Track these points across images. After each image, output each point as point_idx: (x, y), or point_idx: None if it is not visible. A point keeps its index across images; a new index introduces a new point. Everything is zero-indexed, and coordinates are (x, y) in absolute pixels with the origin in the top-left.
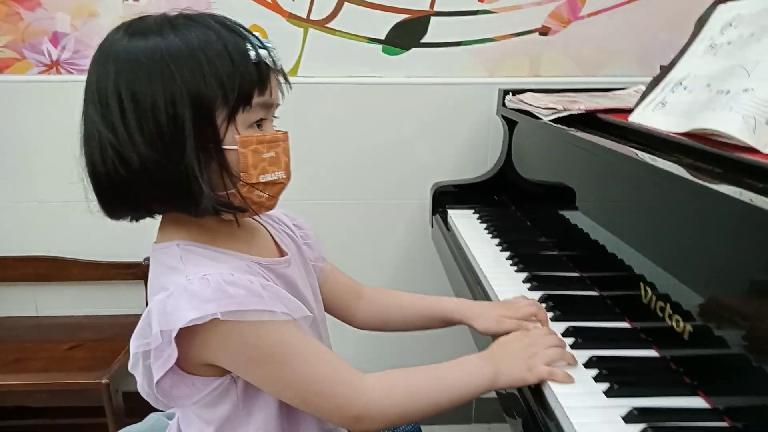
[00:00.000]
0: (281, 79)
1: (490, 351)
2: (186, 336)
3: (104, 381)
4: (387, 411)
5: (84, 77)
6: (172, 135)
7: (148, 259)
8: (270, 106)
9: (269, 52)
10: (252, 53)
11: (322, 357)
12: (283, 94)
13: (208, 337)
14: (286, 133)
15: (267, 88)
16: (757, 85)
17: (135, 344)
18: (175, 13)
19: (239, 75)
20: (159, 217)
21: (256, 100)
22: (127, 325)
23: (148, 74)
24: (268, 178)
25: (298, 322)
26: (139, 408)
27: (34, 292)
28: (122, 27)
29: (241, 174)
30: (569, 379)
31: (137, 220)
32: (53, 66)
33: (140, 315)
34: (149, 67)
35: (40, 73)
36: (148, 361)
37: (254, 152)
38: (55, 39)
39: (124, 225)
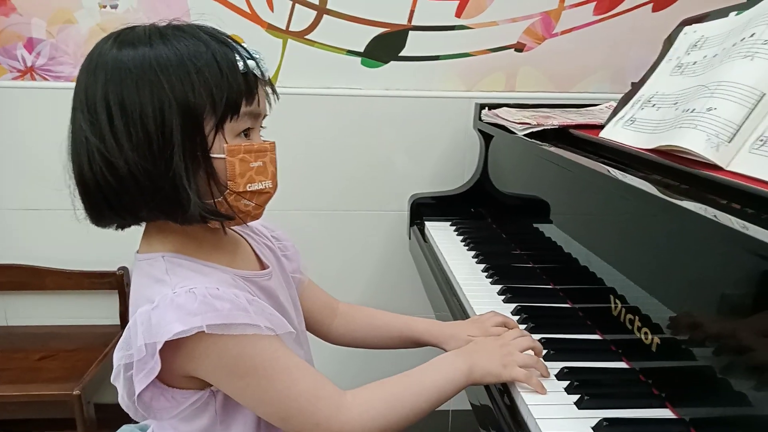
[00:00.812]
0: (269, 90)
1: (465, 347)
2: (170, 349)
3: (76, 392)
4: (368, 426)
5: (60, 84)
6: (160, 143)
7: (122, 268)
8: (257, 116)
9: (257, 63)
10: (240, 64)
11: (303, 373)
12: (270, 104)
13: (192, 349)
14: (274, 143)
15: (255, 97)
16: (719, 105)
17: (118, 356)
18: (165, 24)
19: (227, 85)
20: (142, 226)
21: (244, 109)
22: (100, 335)
23: (136, 83)
24: (255, 187)
25: (281, 338)
26: (111, 419)
27: (5, 302)
28: (112, 36)
29: (229, 183)
30: (542, 389)
31: (123, 228)
32: (27, 72)
33: (114, 325)
34: (138, 75)
35: (14, 78)
36: (129, 372)
37: (242, 161)
38: (30, 45)
39: (99, 234)
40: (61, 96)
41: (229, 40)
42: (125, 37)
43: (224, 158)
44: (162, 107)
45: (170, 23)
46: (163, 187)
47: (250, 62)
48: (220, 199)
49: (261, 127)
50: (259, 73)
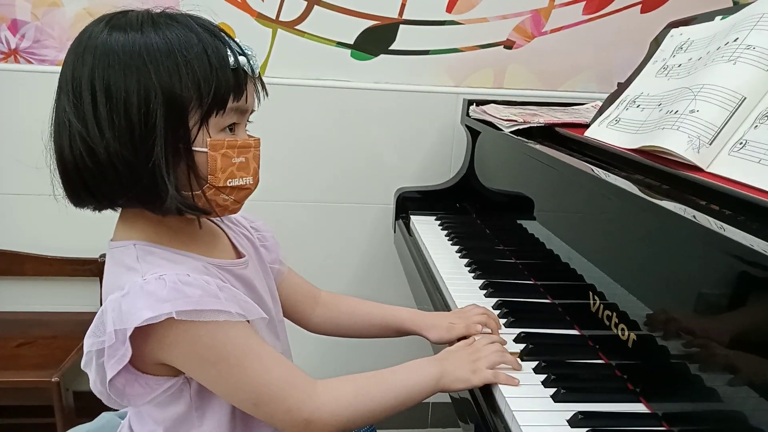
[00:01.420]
0: (258, 86)
1: (437, 355)
2: (141, 335)
3: (54, 379)
4: (337, 413)
5: (44, 68)
6: (142, 132)
7: (104, 255)
8: (244, 112)
9: (248, 59)
10: (231, 59)
11: (275, 360)
12: (259, 100)
13: (162, 336)
14: (258, 139)
15: (243, 94)
16: (701, 107)
17: (88, 342)
18: (158, 11)
19: (216, 79)
20: (118, 211)
21: (231, 105)
22: (80, 322)
23: (123, 69)
24: (236, 182)
25: (253, 324)
26: (90, 407)
27: None
28: (103, 19)
29: (209, 177)
30: (512, 381)
31: (100, 210)
32: (11, 54)
33: (95, 312)
34: (126, 61)
35: None
36: (101, 359)
37: (224, 156)
38: (14, 27)
39: (80, 220)
40: (45, 80)
41: (222, 33)
42: (117, 22)
43: (206, 152)
44: (147, 96)
45: (164, 11)
46: (141, 176)
47: (241, 58)
48: (198, 193)
49: (248, 121)
50: (250, 69)
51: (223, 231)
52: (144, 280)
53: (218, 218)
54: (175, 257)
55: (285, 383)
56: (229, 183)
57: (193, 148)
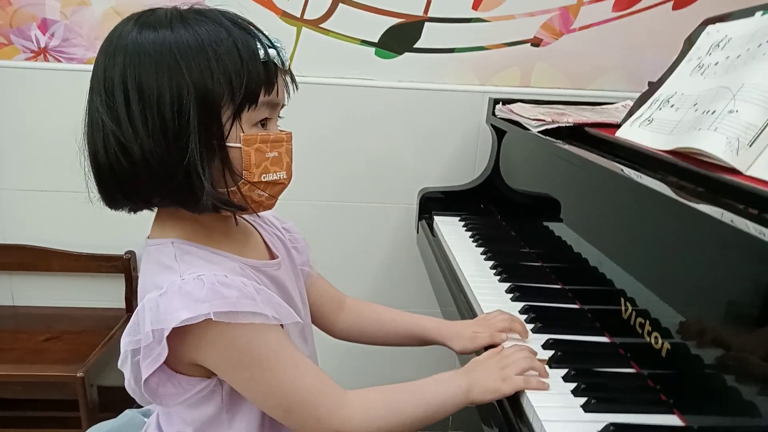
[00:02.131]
0: (288, 79)
1: (465, 367)
2: (177, 335)
3: (79, 374)
4: (367, 425)
5: (73, 66)
6: (176, 129)
7: (129, 252)
8: (276, 106)
9: (278, 52)
10: (261, 52)
11: (307, 367)
12: (289, 94)
13: (198, 337)
14: (290, 133)
15: (274, 87)
16: (741, 108)
17: (125, 341)
18: (186, 7)
19: (247, 73)
20: (154, 211)
21: (262, 99)
22: (105, 318)
23: (155, 67)
24: (270, 177)
25: (286, 329)
26: (114, 403)
27: (11, 282)
28: (132, 18)
29: (244, 172)
30: (543, 386)
31: (135, 211)
32: (41, 53)
33: (120, 309)
34: (157, 59)
35: (27, 59)
36: (136, 357)
37: (257, 151)
38: (44, 26)
39: (107, 218)
40: (74, 78)
41: (251, 27)
42: (146, 20)
43: (240, 147)
44: (180, 93)
45: (192, 7)
46: (176, 174)
47: (271, 51)
48: (233, 189)
49: (279, 116)
50: (280, 62)
51: (257, 230)
52: (182, 280)
53: (252, 218)
54: (212, 257)
55: (317, 391)
56: (264, 178)
57: (227, 144)
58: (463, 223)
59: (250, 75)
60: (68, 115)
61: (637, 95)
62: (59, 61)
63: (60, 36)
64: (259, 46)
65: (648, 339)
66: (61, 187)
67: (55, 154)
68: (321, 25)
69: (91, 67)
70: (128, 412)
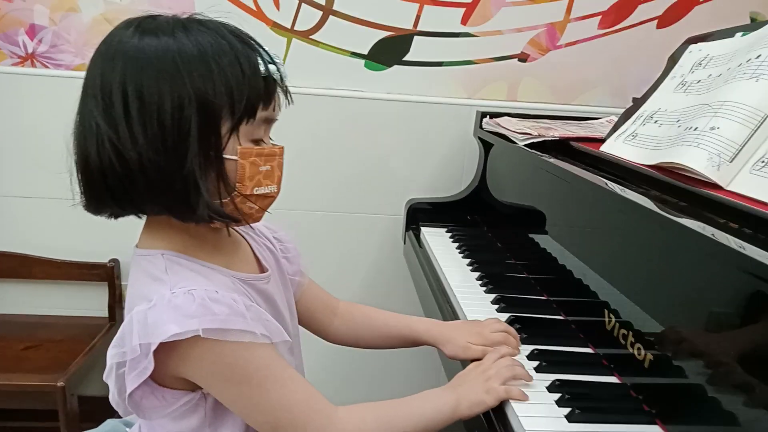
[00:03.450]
0: (283, 94)
1: (450, 383)
2: (164, 350)
3: (60, 384)
4: None
5: (60, 72)
6: (176, 138)
7: (113, 260)
8: (271, 121)
9: (278, 68)
10: (262, 67)
11: (297, 384)
12: (280, 108)
13: (186, 353)
14: (282, 147)
15: (272, 102)
16: (722, 124)
17: (111, 353)
18: (186, 16)
19: (248, 87)
20: (141, 218)
21: (260, 114)
22: (88, 326)
23: (157, 74)
24: (262, 191)
25: (276, 346)
26: (95, 413)
27: None
28: (132, 24)
29: (237, 185)
30: (524, 396)
31: (117, 217)
32: (28, 58)
33: (103, 317)
34: (159, 67)
35: (14, 64)
36: (121, 370)
37: (252, 164)
38: (32, 31)
39: (90, 225)
40: (62, 84)
41: (252, 41)
42: (147, 26)
43: (236, 160)
44: (181, 102)
45: (192, 16)
46: (174, 183)
47: (271, 66)
48: (226, 200)
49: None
50: (279, 78)
51: (247, 242)
52: (172, 294)
53: (242, 228)
54: (203, 270)
55: (307, 408)
56: (256, 191)
57: (224, 156)
58: (449, 234)
59: (251, 89)
60: (54, 121)
61: (621, 110)
62: (47, 67)
63: (48, 42)
64: (260, 60)
65: (631, 350)
66: (43, 193)
67: (39, 161)
68: (311, 37)
69: (79, 73)
70: (110, 422)
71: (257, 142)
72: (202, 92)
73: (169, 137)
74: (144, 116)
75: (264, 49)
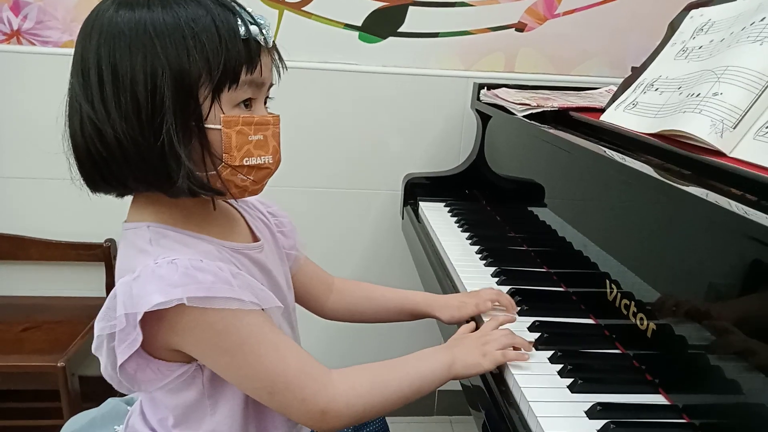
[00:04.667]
0: (276, 57)
1: (446, 343)
2: (152, 320)
3: (60, 364)
4: (353, 403)
5: (47, 49)
6: (150, 110)
7: (109, 240)
8: (261, 86)
9: (261, 29)
10: (242, 29)
11: (290, 349)
12: (279, 74)
13: (174, 322)
14: (278, 116)
15: (256, 66)
16: (725, 90)
17: (99, 326)
18: None
19: (225, 51)
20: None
21: (244, 78)
22: (86, 307)
23: (129, 46)
24: (253, 161)
25: (268, 313)
26: (96, 392)
27: None
28: None
29: (224, 155)
30: (522, 357)
31: (122, 195)
32: (14, 35)
33: (101, 297)
34: (132, 39)
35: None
36: (112, 343)
37: (239, 133)
38: (17, 7)
39: (86, 205)
40: (50, 62)
41: (233, 3)
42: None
43: (220, 129)
44: (154, 72)
45: None
46: (150, 157)
47: (253, 27)
48: (213, 173)
49: (268, 98)
50: (263, 39)
51: (241, 215)
52: (156, 264)
53: (236, 201)
54: (188, 240)
55: (300, 372)
56: (246, 162)
57: (206, 125)
58: (448, 208)
59: (229, 53)
60: (44, 99)
61: (620, 80)
62: (33, 44)
63: (34, 18)
64: (239, 23)
65: (633, 320)
66: (38, 174)
67: (31, 140)
68: (303, 8)
69: (67, 50)
70: (111, 401)
71: (248, 106)
72: (176, 60)
73: (144, 109)
74: (118, 89)
75: (246, 11)
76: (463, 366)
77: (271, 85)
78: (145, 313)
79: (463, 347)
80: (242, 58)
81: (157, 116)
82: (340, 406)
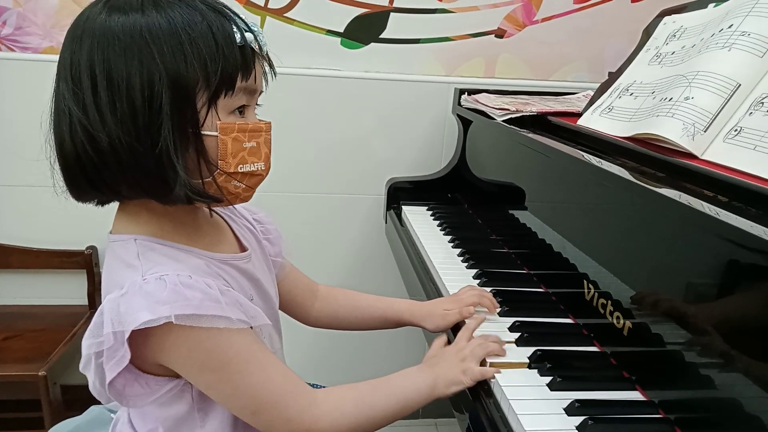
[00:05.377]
0: (266, 65)
1: (427, 362)
2: (140, 337)
3: (41, 373)
4: (338, 423)
5: (27, 56)
6: (148, 116)
7: (91, 248)
8: (253, 92)
9: (255, 37)
10: (237, 36)
11: (276, 368)
12: (267, 81)
13: (162, 340)
14: (269, 123)
15: (251, 73)
16: (696, 94)
17: (86, 344)
18: None
19: (222, 58)
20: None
21: (239, 85)
22: (68, 315)
23: (124, 51)
24: (247, 168)
25: (256, 330)
26: (78, 401)
27: None
28: (101, 1)
29: (219, 162)
30: (497, 371)
31: (104, 204)
32: None
33: (82, 305)
34: (127, 44)
35: None
36: (100, 360)
37: (234, 140)
38: None
39: (68, 212)
40: (29, 68)
41: (227, 10)
42: (116, 3)
43: (216, 136)
44: (151, 79)
45: None
46: (147, 164)
47: (248, 35)
48: (209, 180)
49: (257, 104)
50: (257, 47)
51: (227, 224)
52: (144, 280)
53: (223, 210)
54: (177, 254)
55: (286, 392)
56: (240, 168)
57: (202, 132)
58: (431, 212)
59: (226, 60)
60: (24, 106)
61: (597, 85)
62: (12, 50)
63: (13, 24)
64: (235, 29)
65: (610, 319)
66: (17, 181)
67: (11, 147)
68: (286, 15)
69: (47, 57)
70: (94, 409)
71: (241, 113)
72: (173, 66)
73: (140, 116)
74: (113, 96)
75: (240, 18)
76: (445, 384)
77: (261, 92)
78: (133, 330)
79: (443, 365)
80: (238, 65)
81: (155, 122)
82: (324, 426)
